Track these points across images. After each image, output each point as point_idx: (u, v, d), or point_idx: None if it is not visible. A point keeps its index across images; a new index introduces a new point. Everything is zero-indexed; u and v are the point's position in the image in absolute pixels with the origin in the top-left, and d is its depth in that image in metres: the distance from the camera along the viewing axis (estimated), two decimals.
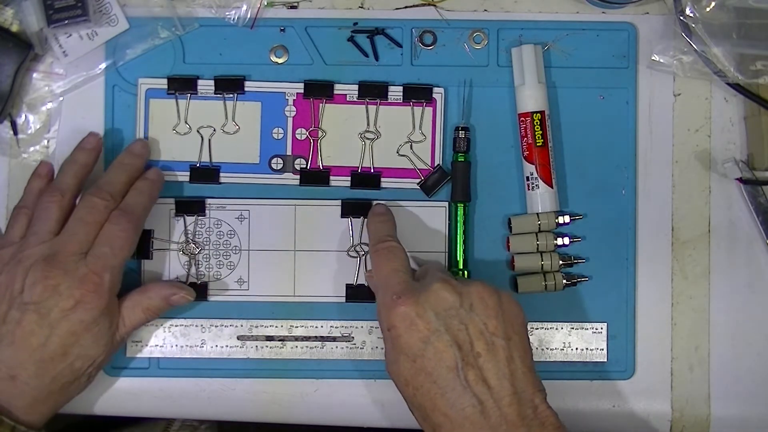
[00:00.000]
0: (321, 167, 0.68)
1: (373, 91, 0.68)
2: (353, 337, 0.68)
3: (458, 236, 0.67)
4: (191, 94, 0.68)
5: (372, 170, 0.68)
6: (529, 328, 0.67)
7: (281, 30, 0.68)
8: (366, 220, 0.67)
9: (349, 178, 0.68)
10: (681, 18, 0.65)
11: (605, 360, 0.68)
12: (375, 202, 0.67)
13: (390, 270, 0.61)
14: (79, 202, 0.63)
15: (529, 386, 0.57)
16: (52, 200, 0.62)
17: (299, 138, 0.68)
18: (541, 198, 0.67)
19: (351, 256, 0.68)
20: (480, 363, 0.57)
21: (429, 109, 0.68)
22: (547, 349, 0.68)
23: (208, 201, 0.68)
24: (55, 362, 0.60)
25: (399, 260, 0.62)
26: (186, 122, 0.68)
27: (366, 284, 0.67)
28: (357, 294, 0.68)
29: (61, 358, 0.60)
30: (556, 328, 0.68)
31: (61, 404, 0.62)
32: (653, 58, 0.68)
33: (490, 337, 0.57)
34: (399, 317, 0.58)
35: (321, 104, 0.68)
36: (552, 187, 0.66)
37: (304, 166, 0.68)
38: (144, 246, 0.67)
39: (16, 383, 0.59)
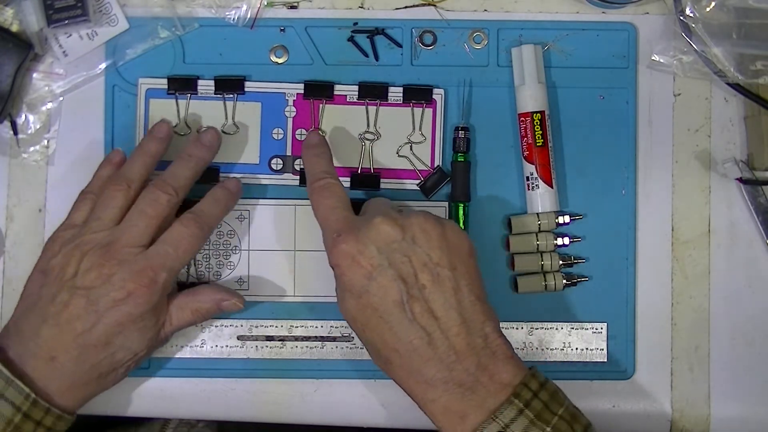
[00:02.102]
0: None
1: (373, 92, 0.68)
2: (353, 337, 0.68)
3: None
4: (191, 94, 0.68)
5: (372, 171, 0.68)
6: (529, 328, 0.67)
7: (281, 30, 0.68)
8: (302, 151, 0.65)
9: (348, 179, 0.68)
10: (681, 18, 0.65)
11: (605, 360, 0.68)
12: (309, 131, 0.66)
13: (328, 208, 0.60)
14: (142, 193, 0.62)
15: (479, 315, 0.57)
16: (118, 188, 0.61)
17: (299, 138, 0.68)
18: (541, 198, 0.67)
19: None
20: (425, 295, 0.57)
21: (429, 110, 0.68)
22: (547, 349, 0.68)
23: None
24: (97, 350, 0.59)
25: (336, 197, 0.61)
26: (186, 122, 0.68)
27: None
28: None
29: (103, 347, 0.59)
30: (556, 328, 0.68)
31: (96, 393, 0.61)
32: (653, 58, 0.68)
33: (434, 268, 0.57)
34: (341, 255, 0.58)
35: (321, 105, 0.68)
36: (552, 187, 0.66)
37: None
38: None
39: (55, 365, 0.59)
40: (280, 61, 0.68)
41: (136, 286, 0.59)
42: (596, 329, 0.68)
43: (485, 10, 0.69)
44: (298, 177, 0.68)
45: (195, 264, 0.68)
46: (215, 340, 0.68)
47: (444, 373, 0.56)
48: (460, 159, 0.67)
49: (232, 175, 0.68)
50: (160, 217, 0.61)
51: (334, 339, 0.68)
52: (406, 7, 0.69)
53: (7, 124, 0.67)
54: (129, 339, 0.60)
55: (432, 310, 0.56)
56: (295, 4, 0.69)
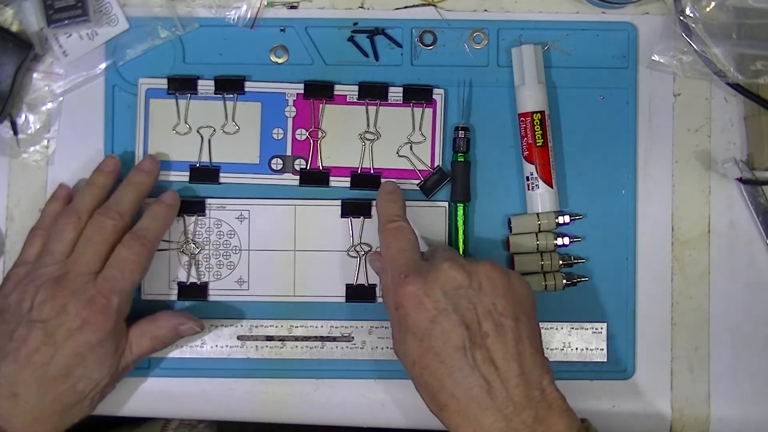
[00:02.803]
0: (321, 168, 0.68)
1: (373, 92, 0.68)
2: (353, 337, 0.68)
3: (458, 236, 0.67)
4: (191, 94, 0.68)
5: (372, 171, 0.68)
6: None
7: (281, 30, 0.68)
8: (376, 199, 0.66)
9: (348, 179, 0.68)
10: (681, 18, 0.65)
11: (605, 360, 0.68)
12: (384, 181, 0.67)
13: (398, 249, 0.61)
14: (89, 222, 0.63)
15: (537, 367, 0.57)
16: (67, 221, 0.62)
17: (299, 138, 0.68)
18: (541, 198, 0.67)
19: (351, 256, 0.68)
20: (488, 343, 0.56)
21: (429, 110, 0.68)
22: (547, 349, 0.68)
23: (208, 201, 0.68)
24: (57, 382, 0.59)
25: (407, 240, 0.62)
26: (186, 122, 0.68)
27: (366, 284, 0.67)
28: (357, 294, 0.68)
29: (63, 379, 0.60)
30: (556, 328, 0.68)
31: (60, 427, 0.61)
32: (653, 58, 0.68)
33: (498, 317, 0.57)
34: (407, 296, 0.58)
35: (321, 105, 0.68)
36: (552, 187, 0.67)
37: (304, 166, 0.68)
38: None
39: (17, 401, 0.59)
40: (280, 61, 0.68)
41: (89, 313, 0.59)
42: (596, 329, 0.68)
43: (485, 10, 0.69)
44: (298, 177, 0.68)
45: (195, 264, 0.68)
46: (215, 340, 0.68)
47: (501, 424, 0.56)
48: (460, 159, 0.67)
49: (232, 175, 0.68)
50: (108, 243, 0.62)
51: (334, 339, 0.68)
52: (406, 7, 0.69)
53: (7, 124, 0.67)
54: (89, 368, 0.60)
55: (493, 359, 0.56)
56: (295, 4, 0.69)
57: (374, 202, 0.67)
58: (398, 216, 0.63)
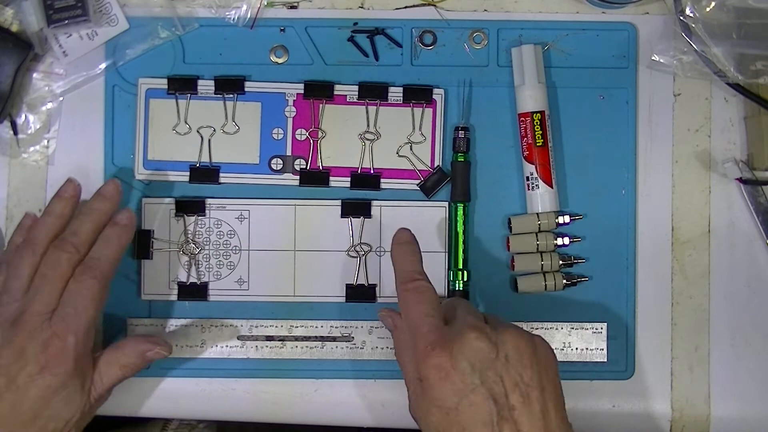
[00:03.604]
0: (321, 168, 0.68)
1: (373, 92, 0.68)
2: (353, 337, 0.68)
3: (458, 236, 0.67)
4: (191, 94, 0.68)
5: (372, 171, 0.68)
6: (529, 328, 0.68)
7: (281, 30, 0.68)
8: (390, 247, 0.64)
9: (348, 179, 0.68)
10: (681, 18, 0.65)
11: (605, 360, 0.68)
12: (399, 228, 0.64)
13: (421, 314, 0.58)
14: (45, 256, 0.60)
15: None
16: (24, 255, 0.60)
17: (299, 138, 0.68)
18: (541, 198, 0.67)
19: (351, 256, 0.68)
20: (515, 416, 0.55)
21: (429, 110, 0.68)
22: None
23: (208, 201, 0.68)
24: (26, 426, 0.58)
25: (429, 303, 0.59)
26: (186, 122, 0.68)
27: (366, 284, 0.68)
28: (357, 294, 0.68)
29: (32, 422, 0.58)
30: (556, 328, 0.68)
31: None
32: (653, 58, 0.68)
33: (525, 388, 0.55)
34: (433, 368, 0.56)
35: (321, 105, 0.68)
36: (552, 187, 0.66)
37: (304, 166, 0.68)
38: (144, 246, 0.67)
39: None
40: (280, 61, 0.68)
41: (47, 357, 0.58)
42: (596, 329, 0.68)
43: (485, 10, 0.69)
44: (298, 177, 0.68)
45: (195, 264, 0.68)
46: (215, 340, 0.68)
47: None
48: (460, 159, 0.67)
49: (232, 175, 0.68)
50: (63, 278, 0.59)
51: (334, 339, 0.68)
52: (406, 7, 0.69)
53: (7, 124, 0.67)
54: (57, 409, 0.58)
55: (520, 431, 0.55)
56: (295, 4, 0.69)
57: (389, 253, 0.64)
58: (419, 273, 0.61)
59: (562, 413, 0.57)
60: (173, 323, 0.68)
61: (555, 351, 0.67)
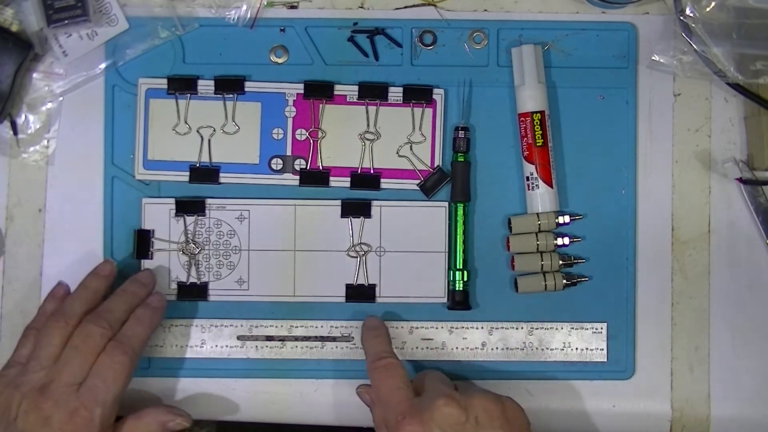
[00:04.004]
0: (321, 168, 0.68)
1: (373, 92, 0.68)
2: (353, 337, 0.68)
3: (458, 236, 0.67)
4: (191, 94, 0.68)
5: (372, 171, 0.68)
6: (529, 328, 0.68)
7: (281, 30, 0.68)
8: (361, 334, 0.66)
9: (348, 179, 0.68)
10: (681, 18, 0.65)
11: (605, 360, 0.68)
12: (367, 316, 0.67)
13: (392, 388, 0.61)
14: (77, 329, 0.62)
15: None
16: (56, 326, 0.61)
17: (299, 138, 0.68)
18: (541, 198, 0.67)
19: (351, 256, 0.68)
20: None
21: (429, 110, 0.68)
22: (547, 349, 0.68)
23: (208, 201, 0.68)
24: None
25: (399, 377, 0.61)
26: (186, 122, 0.68)
27: (366, 284, 0.67)
28: (357, 294, 0.68)
29: None
30: (556, 328, 0.68)
31: None
32: (653, 58, 0.68)
33: None
34: None
35: (321, 105, 0.68)
36: (552, 187, 0.66)
37: (304, 166, 0.68)
38: (144, 246, 0.67)
39: None
40: (280, 61, 0.68)
41: (72, 427, 0.58)
42: (596, 329, 0.68)
43: (485, 10, 0.69)
44: (298, 177, 0.68)
45: (195, 264, 0.68)
46: (215, 340, 0.68)
47: None
48: (460, 159, 0.67)
49: (232, 175, 0.68)
50: (94, 353, 0.61)
51: (334, 339, 0.68)
52: (406, 7, 0.69)
53: (7, 124, 0.68)
54: None
55: None
56: (295, 4, 0.69)
57: (366, 316, 0.67)
58: (387, 352, 0.63)
59: None
60: (173, 323, 0.68)
61: (555, 351, 0.68)
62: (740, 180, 0.68)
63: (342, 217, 0.68)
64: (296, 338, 0.68)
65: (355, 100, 0.68)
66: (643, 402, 0.68)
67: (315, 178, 0.68)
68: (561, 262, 0.67)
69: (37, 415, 0.59)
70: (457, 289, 0.67)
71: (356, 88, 0.68)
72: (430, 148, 0.68)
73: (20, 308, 0.68)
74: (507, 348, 0.68)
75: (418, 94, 0.68)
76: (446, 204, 0.68)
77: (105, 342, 0.61)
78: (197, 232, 0.68)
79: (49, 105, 0.68)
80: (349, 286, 0.68)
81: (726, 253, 0.69)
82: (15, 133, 0.68)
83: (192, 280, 0.68)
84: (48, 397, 0.59)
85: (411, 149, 0.68)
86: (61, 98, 0.68)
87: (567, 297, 0.68)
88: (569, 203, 0.68)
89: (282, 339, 0.68)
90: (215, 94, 0.68)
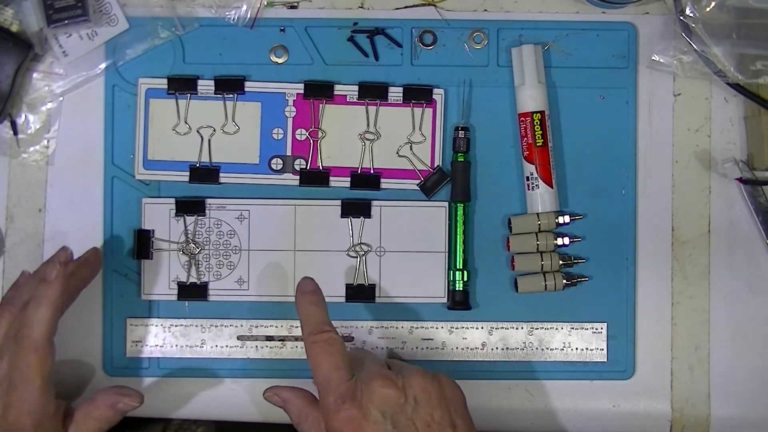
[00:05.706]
0: (321, 168, 0.68)
1: (373, 92, 0.68)
2: (353, 337, 0.68)
3: (458, 236, 0.67)
4: (191, 94, 0.68)
5: (372, 171, 0.68)
6: (529, 328, 0.68)
7: (281, 30, 0.68)
8: (295, 298, 0.62)
9: (348, 179, 0.68)
10: (681, 18, 0.65)
11: (605, 360, 0.68)
12: (302, 278, 0.63)
13: (331, 367, 0.58)
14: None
15: None
16: (1, 315, 0.62)
17: (299, 138, 0.68)
18: (541, 198, 0.67)
19: (351, 256, 0.68)
20: None
21: (429, 110, 0.68)
22: (547, 349, 0.68)
23: (208, 201, 0.68)
24: None
25: (339, 354, 0.59)
26: (186, 122, 0.68)
27: (366, 284, 0.68)
28: (357, 294, 0.68)
29: None
30: (556, 328, 0.68)
31: None
32: (653, 58, 0.68)
33: (437, 428, 0.57)
34: (345, 422, 0.57)
35: (321, 105, 0.68)
36: (552, 187, 0.67)
37: (304, 166, 0.68)
38: (144, 246, 0.67)
39: None
40: (280, 61, 0.68)
41: (7, 423, 0.58)
42: (596, 329, 0.68)
43: (485, 10, 0.69)
44: (298, 177, 0.68)
45: (195, 264, 0.68)
46: (215, 340, 0.68)
47: None
48: (460, 159, 0.67)
49: (232, 175, 0.68)
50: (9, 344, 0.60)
51: None
52: (406, 7, 0.69)
53: (7, 124, 0.68)
54: None
55: None
56: (295, 4, 0.69)
57: (302, 277, 0.63)
58: (327, 324, 0.60)
59: None
60: (173, 323, 0.68)
61: (555, 351, 0.68)
62: (740, 180, 0.68)
63: (342, 217, 0.68)
64: (296, 338, 0.68)
65: (355, 100, 0.68)
66: (643, 402, 0.68)
67: (315, 178, 0.68)
68: (561, 262, 0.67)
69: None
70: (457, 289, 0.67)
71: (356, 88, 0.68)
72: (430, 148, 0.68)
73: None
74: (507, 348, 0.68)
75: (418, 94, 0.68)
76: (446, 204, 0.68)
77: (11, 330, 0.60)
78: (197, 232, 0.68)
79: (49, 105, 0.68)
80: (349, 286, 0.68)
81: (726, 253, 0.69)
82: (15, 133, 0.68)
83: (192, 280, 0.68)
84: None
85: (411, 149, 0.68)
86: (61, 98, 0.68)
87: (567, 297, 0.68)
88: (569, 203, 0.68)
89: (282, 339, 0.68)
90: (215, 94, 0.68)
